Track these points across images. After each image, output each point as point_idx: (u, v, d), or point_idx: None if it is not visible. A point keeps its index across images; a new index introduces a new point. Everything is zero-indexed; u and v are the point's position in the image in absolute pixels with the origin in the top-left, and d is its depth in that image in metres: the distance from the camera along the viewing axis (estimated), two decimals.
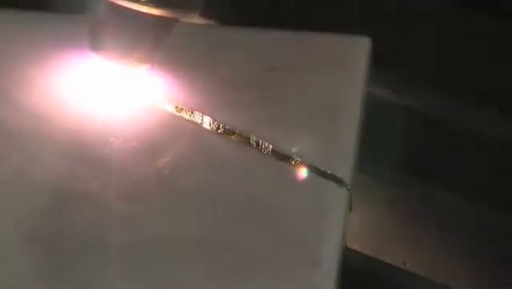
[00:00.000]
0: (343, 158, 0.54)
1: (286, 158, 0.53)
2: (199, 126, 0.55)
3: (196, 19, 0.73)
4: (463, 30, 0.75)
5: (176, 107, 0.56)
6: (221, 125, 0.55)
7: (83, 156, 0.54)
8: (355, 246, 0.64)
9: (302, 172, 0.53)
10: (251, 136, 0.54)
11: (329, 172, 0.53)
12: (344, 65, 0.58)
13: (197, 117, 0.55)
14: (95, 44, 0.54)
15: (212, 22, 0.75)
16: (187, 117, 0.55)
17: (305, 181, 0.53)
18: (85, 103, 0.56)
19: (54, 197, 0.52)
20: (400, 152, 0.72)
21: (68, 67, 0.57)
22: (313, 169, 0.53)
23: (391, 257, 0.67)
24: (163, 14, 0.51)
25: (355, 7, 0.75)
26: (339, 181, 0.52)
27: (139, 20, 0.52)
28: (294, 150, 0.53)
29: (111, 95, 0.56)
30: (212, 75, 0.57)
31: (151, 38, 0.54)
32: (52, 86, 0.57)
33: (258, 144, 0.54)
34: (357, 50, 0.59)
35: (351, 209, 0.53)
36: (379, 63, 0.59)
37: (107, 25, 0.53)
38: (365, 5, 0.75)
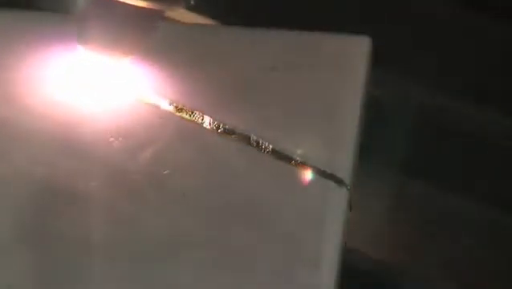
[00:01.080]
0: (343, 158, 0.54)
1: (286, 158, 0.53)
2: (199, 126, 0.55)
3: (195, 19, 0.73)
4: (463, 30, 0.75)
5: (176, 107, 0.56)
6: (221, 125, 0.55)
7: (80, 154, 0.54)
8: (355, 246, 0.63)
9: (302, 172, 0.53)
10: (251, 136, 0.54)
11: (329, 172, 0.53)
12: (344, 65, 0.58)
13: (197, 117, 0.55)
14: (82, 36, 0.54)
15: (212, 22, 0.75)
16: (187, 117, 0.55)
17: (305, 181, 0.53)
18: (81, 101, 0.56)
19: (53, 196, 0.52)
20: (400, 152, 0.72)
21: (57, 63, 0.57)
22: (313, 169, 0.53)
23: (391, 257, 0.67)
24: (149, 6, 0.52)
25: (355, 7, 0.75)
26: (339, 181, 0.52)
27: (125, 12, 0.52)
28: (294, 150, 0.53)
29: (108, 92, 0.56)
30: (212, 75, 0.57)
31: (137, 30, 0.54)
32: (42, 81, 0.57)
33: (258, 144, 0.54)
34: (357, 50, 0.58)
35: (351, 209, 0.53)
36: (379, 63, 0.59)
37: (93, 17, 0.53)
38: (365, 5, 0.75)
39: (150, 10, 0.52)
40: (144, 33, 0.54)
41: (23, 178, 0.53)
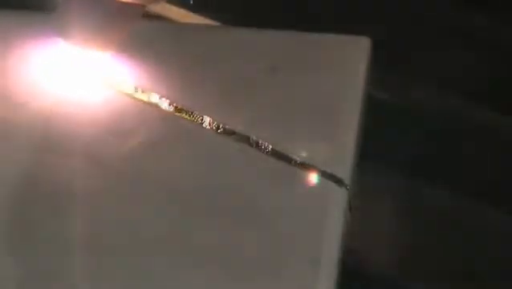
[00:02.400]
0: (343, 158, 0.54)
1: (285, 158, 0.53)
2: (199, 126, 0.55)
3: (195, 19, 0.73)
4: (463, 30, 0.75)
5: (176, 107, 0.56)
6: (221, 125, 0.55)
7: (77, 154, 0.54)
8: (355, 246, 0.63)
9: (302, 172, 0.53)
10: (251, 136, 0.54)
11: (329, 172, 0.53)
12: (344, 65, 0.58)
13: (197, 117, 0.55)
14: (64, 30, 0.54)
15: (212, 22, 0.75)
16: (186, 117, 0.55)
17: (305, 181, 0.53)
18: (75, 101, 0.56)
19: (46, 196, 0.52)
20: (399, 152, 0.72)
21: (46, 61, 0.57)
22: (313, 169, 0.53)
23: (391, 257, 0.67)
24: (130, 0, 0.52)
25: (355, 7, 0.75)
26: (339, 181, 0.52)
27: (107, 5, 0.52)
28: (293, 150, 0.53)
29: (106, 92, 0.56)
30: (212, 75, 0.57)
31: (118, 24, 0.54)
32: (32, 80, 0.57)
33: (257, 144, 0.54)
34: (357, 50, 0.58)
35: (351, 209, 0.53)
36: (379, 63, 0.59)
37: (75, 10, 0.53)
38: (365, 5, 0.75)
39: (132, 3, 0.52)
40: (125, 26, 0.54)
41: (12, 176, 0.53)
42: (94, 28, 0.53)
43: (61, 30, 0.54)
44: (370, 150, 0.58)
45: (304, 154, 0.53)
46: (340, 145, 0.54)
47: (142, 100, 0.56)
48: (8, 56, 0.58)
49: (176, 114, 0.55)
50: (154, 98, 0.56)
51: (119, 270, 0.50)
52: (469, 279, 0.68)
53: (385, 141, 0.71)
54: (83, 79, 0.57)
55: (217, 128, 0.55)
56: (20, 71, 0.57)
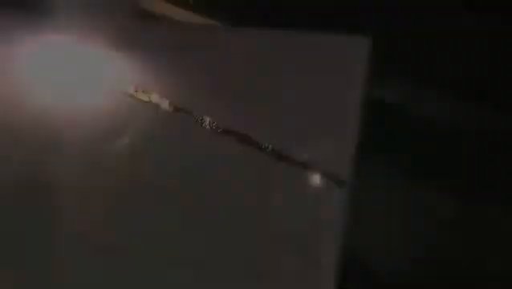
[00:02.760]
0: (343, 158, 0.54)
1: (286, 158, 0.53)
2: (199, 126, 0.55)
3: (195, 19, 0.73)
4: (464, 30, 0.75)
5: (176, 107, 0.56)
6: (221, 125, 0.55)
7: (77, 154, 0.54)
8: (354, 246, 0.63)
9: (302, 172, 0.53)
10: (251, 136, 0.54)
11: (329, 172, 0.53)
12: (344, 65, 0.58)
13: (197, 117, 0.55)
14: (62, 27, 0.54)
15: (212, 22, 0.75)
16: (186, 117, 0.55)
17: (305, 181, 0.53)
18: (74, 101, 0.56)
19: (46, 196, 0.52)
20: (399, 152, 0.72)
21: (44, 60, 0.57)
22: (313, 169, 0.53)
23: (391, 256, 0.67)
24: None
25: (355, 7, 0.75)
26: (339, 181, 0.52)
27: (102, 2, 0.52)
28: (294, 150, 0.53)
29: (105, 92, 0.57)
30: (212, 75, 0.57)
31: (114, 20, 0.54)
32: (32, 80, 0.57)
33: (257, 144, 0.54)
34: (357, 50, 0.58)
35: (350, 208, 0.53)
36: (379, 63, 0.59)
37: (71, 7, 0.53)
38: (365, 5, 0.75)
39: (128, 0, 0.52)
40: (122, 23, 0.54)
41: (12, 176, 0.53)
42: (90, 24, 0.53)
43: (59, 29, 0.54)
44: (370, 150, 0.58)
45: (304, 154, 0.53)
46: (340, 145, 0.54)
47: (142, 100, 0.56)
48: (8, 56, 0.58)
49: (176, 114, 0.55)
50: (154, 98, 0.56)
51: (120, 271, 0.50)
52: (469, 280, 0.68)
53: (385, 141, 0.71)
54: (83, 79, 0.57)
55: (217, 128, 0.55)
56: (20, 71, 0.57)
